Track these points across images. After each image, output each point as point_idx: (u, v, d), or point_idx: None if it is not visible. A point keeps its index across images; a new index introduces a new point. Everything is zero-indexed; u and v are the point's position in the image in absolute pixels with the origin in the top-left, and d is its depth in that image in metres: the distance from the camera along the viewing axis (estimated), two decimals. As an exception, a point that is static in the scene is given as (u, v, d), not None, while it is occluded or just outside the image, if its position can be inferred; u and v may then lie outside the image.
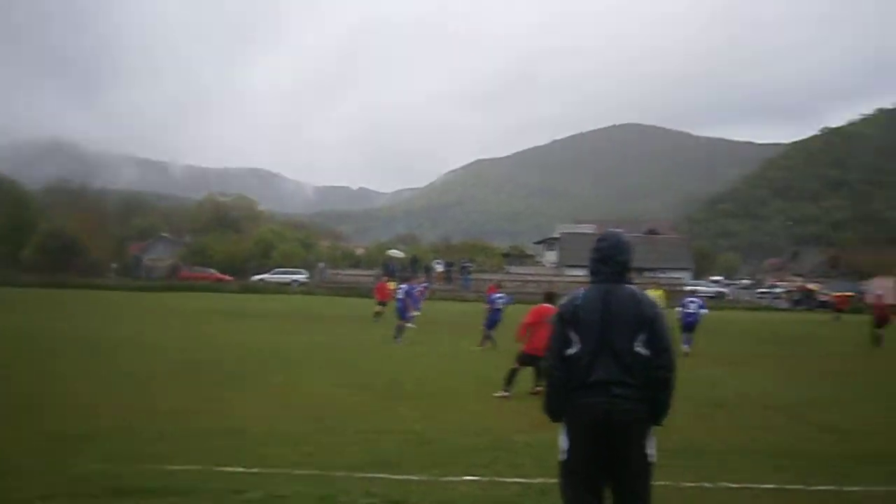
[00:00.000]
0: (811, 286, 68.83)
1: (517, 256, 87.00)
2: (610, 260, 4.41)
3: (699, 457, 8.35)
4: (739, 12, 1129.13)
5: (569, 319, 4.30)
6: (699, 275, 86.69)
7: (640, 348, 4.18)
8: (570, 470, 4.22)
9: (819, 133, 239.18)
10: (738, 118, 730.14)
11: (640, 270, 63.01)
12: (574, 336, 4.25)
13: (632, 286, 4.39)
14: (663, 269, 67.24)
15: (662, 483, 6.79)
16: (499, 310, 20.56)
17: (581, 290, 4.43)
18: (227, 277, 62.84)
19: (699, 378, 15.48)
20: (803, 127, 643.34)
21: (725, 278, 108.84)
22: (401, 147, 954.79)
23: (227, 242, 76.99)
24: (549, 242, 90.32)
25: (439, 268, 63.39)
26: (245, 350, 18.30)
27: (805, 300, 62.67)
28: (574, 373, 4.21)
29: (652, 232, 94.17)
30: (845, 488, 7.13)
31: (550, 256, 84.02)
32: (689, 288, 58.57)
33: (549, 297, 13.36)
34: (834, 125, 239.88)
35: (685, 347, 20.17)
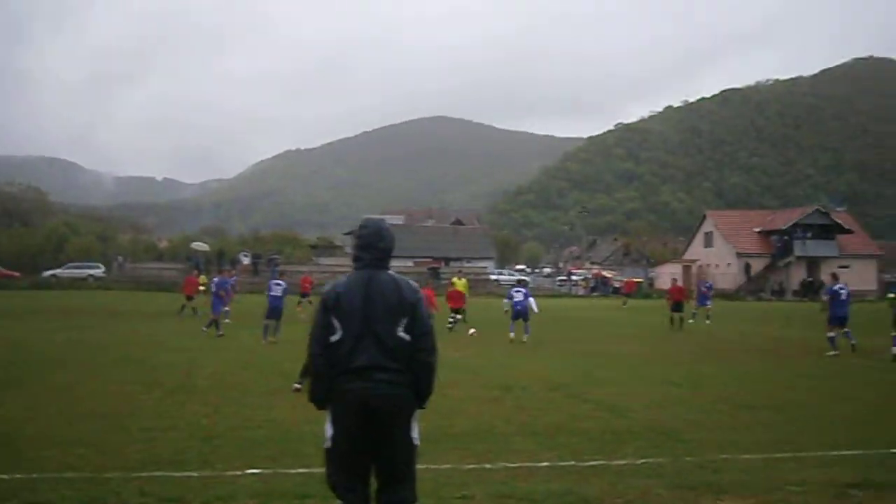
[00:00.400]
0: (606, 273, 73.03)
1: (326, 247, 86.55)
2: (371, 247, 4.44)
3: (484, 438, 8.64)
4: (540, 10, 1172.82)
5: (331, 306, 4.31)
6: (502, 264, 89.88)
7: (402, 333, 4.25)
8: (336, 456, 4.24)
9: (613, 128, 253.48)
10: (541, 112, 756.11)
11: (446, 260, 64.48)
12: (336, 323, 4.27)
13: (393, 272, 4.46)
14: (468, 259, 69.16)
15: (445, 466, 7.05)
16: (277, 297, 20.40)
17: (343, 277, 4.46)
18: (14, 273, 58.97)
19: (493, 363, 16.12)
20: (600, 122, 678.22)
21: (528, 267, 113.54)
22: (209, 136, 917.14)
23: (13, 236, 72.18)
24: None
25: (246, 260, 62.47)
26: (25, 350, 17.13)
27: (600, 287, 66.43)
28: (337, 360, 4.23)
29: (457, 223, 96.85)
30: (613, 462, 7.59)
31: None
32: (513, 279, 60.81)
33: None
34: (627, 121, 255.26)
35: (512, 335, 20.86)
